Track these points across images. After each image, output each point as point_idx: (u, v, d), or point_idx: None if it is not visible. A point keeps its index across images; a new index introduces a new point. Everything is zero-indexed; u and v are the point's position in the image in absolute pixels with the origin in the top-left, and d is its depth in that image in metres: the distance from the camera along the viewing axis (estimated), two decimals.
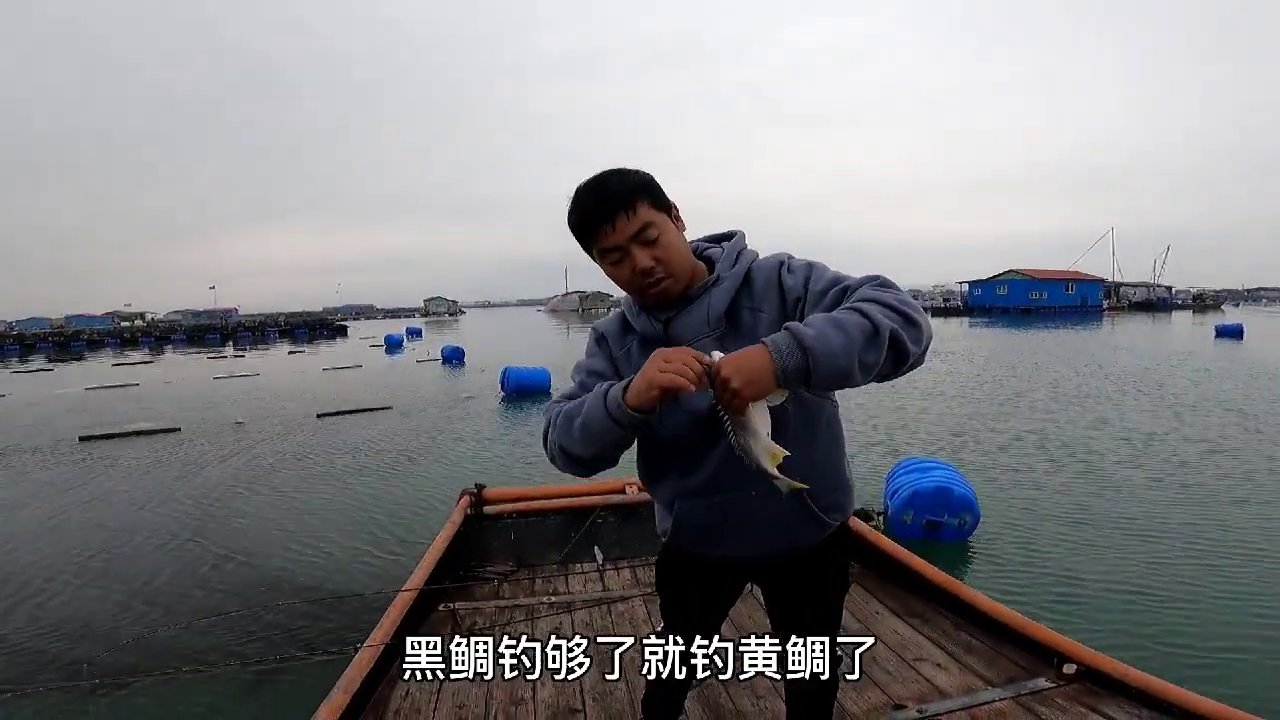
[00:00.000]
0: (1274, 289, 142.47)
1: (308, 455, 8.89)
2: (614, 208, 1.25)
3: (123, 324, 72.22)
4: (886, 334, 1.09)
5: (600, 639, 2.63)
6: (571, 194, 1.31)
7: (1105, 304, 62.49)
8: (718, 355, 1.14)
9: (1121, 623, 3.76)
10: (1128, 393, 12.14)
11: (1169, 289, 78.16)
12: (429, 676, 2.35)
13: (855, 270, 1.29)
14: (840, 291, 1.22)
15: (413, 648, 2.67)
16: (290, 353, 33.05)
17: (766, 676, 2.26)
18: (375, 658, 2.33)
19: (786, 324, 1.13)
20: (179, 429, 11.10)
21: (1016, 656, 2.37)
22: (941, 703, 2.12)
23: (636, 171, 1.31)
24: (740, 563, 1.50)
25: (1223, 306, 73.45)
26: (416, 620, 2.79)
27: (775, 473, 1.14)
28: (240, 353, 34.72)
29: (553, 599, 3.05)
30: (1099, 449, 7.85)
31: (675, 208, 1.35)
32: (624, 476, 4.05)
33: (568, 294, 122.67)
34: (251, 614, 4.02)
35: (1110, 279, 73.09)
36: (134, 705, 3.27)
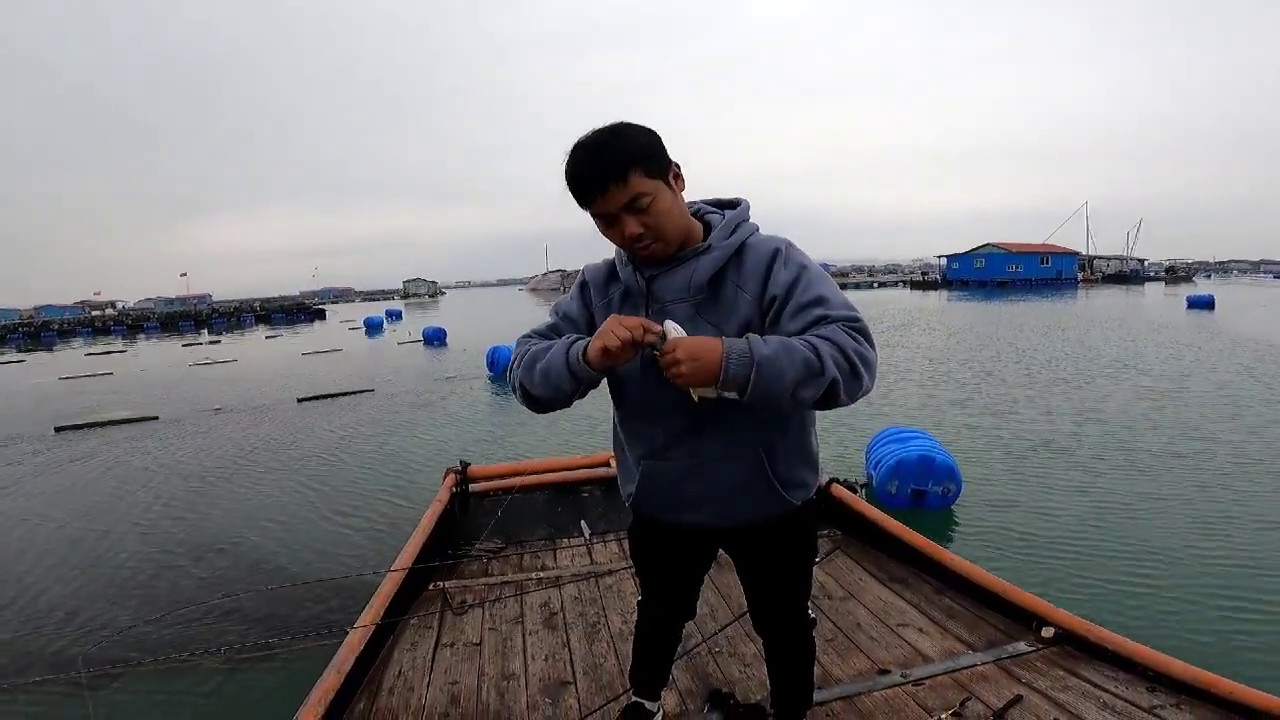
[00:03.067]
0: (1244, 261, 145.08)
1: (289, 440, 8.81)
2: (607, 178, 1.25)
3: (94, 313, 70.68)
4: (827, 381, 1.16)
5: (589, 613, 2.70)
6: (569, 149, 1.30)
7: (1080, 276, 63.30)
8: (676, 331, 1.21)
9: (1097, 586, 3.86)
10: (1102, 364, 12.34)
11: (1141, 261, 79.35)
12: (420, 654, 2.39)
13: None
14: (818, 318, 1.23)
15: (404, 627, 2.71)
16: (268, 337, 32.59)
17: (753, 643, 2.33)
18: (366, 638, 2.34)
19: (749, 334, 1.21)
20: (157, 417, 10.93)
21: (996, 621, 2.43)
22: (925, 667, 2.17)
23: (636, 134, 1.29)
24: (704, 529, 1.52)
25: (1194, 278, 74.68)
26: (407, 600, 2.80)
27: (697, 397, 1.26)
28: (216, 339, 34.17)
29: (541, 574, 3.08)
30: (1076, 420, 7.98)
31: (675, 167, 1.34)
32: (609, 451, 4.09)
33: (548, 273, 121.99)
34: (238, 601, 4.01)
35: (1085, 252, 74.02)
36: (124, 697, 3.25)
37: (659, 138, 1.31)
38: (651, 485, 1.48)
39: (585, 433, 7.93)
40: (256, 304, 69.45)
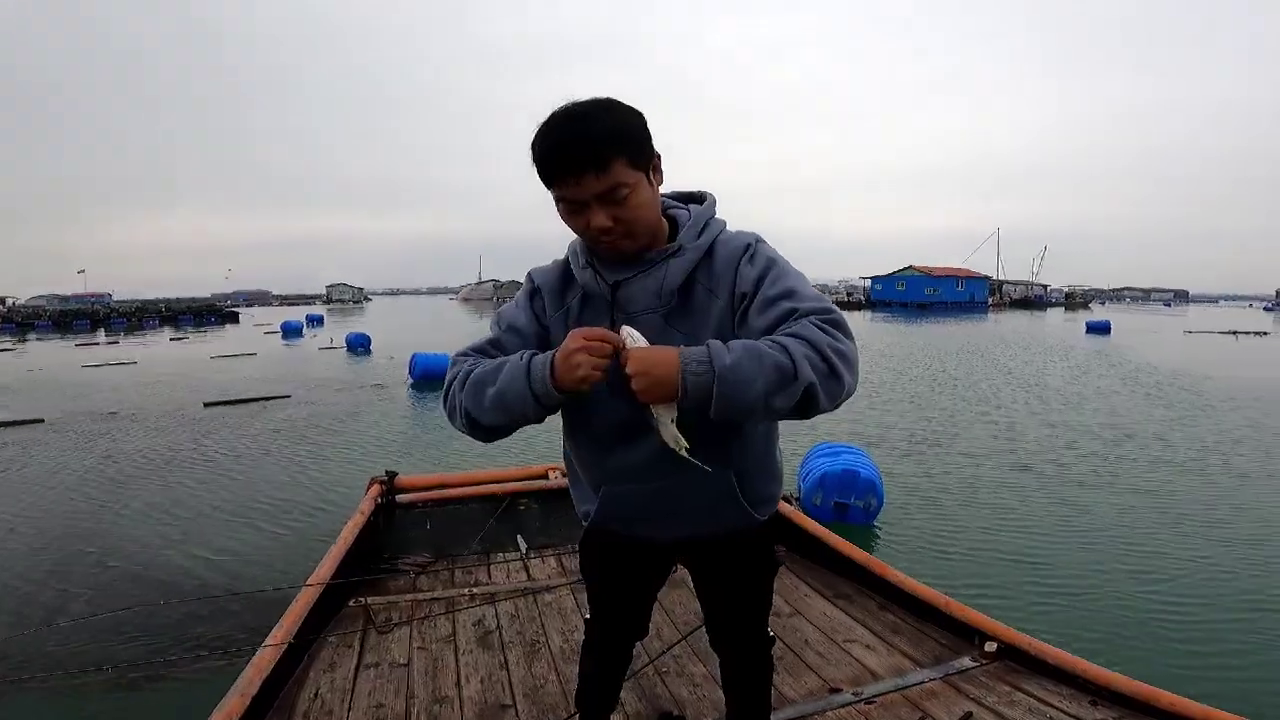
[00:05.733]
0: (1135, 289, 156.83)
1: (194, 447, 8.23)
2: (585, 162, 1.09)
3: None
4: (803, 386, 1.01)
5: (528, 631, 2.55)
6: (547, 117, 1.13)
7: (990, 300, 67.05)
8: (633, 340, 1.08)
9: (1032, 602, 3.96)
10: (1015, 384, 12.99)
11: (1045, 287, 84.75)
12: (340, 675, 2.20)
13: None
14: (787, 312, 1.11)
15: (321, 645, 2.50)
16: (173, 340, 30.65)
17: (702, 663, 2.25)
18: (277, 658, 2.13)
19: (709, 341, 1.06)
20: (42, 420, 10.05)
21: (940, 636, 2.43)
22: (875, 685, 2.14)
23: (626, 115, 1.15)
24: (666, 543, 1.42)
25: (1090, 305, 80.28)
26: (324, 617, 2.59)
27: (677, 449, 1.12)
28: (114, 340, 31.87)
29: (475, 590, 2.91)
30: (994, 436, 8.35)
31: (658, 158, 1.20)
32: (546, 462, 3.94)
33: (482, 282, 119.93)
34: (128, 615, 3.63)
35: (995, 277, 78.51)
36: (3, 716, 2.92)
37: (646, 122, 1.17)
38: (612, 507, 1.36)
39: (520, 443, 7.72)
40: (162, 305, 65.20)
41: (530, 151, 1.13)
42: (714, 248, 1.24)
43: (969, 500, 5.85)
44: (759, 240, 1.25)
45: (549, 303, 1.31)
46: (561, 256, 1.35)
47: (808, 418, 1.07)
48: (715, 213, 1.30)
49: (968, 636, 2.36)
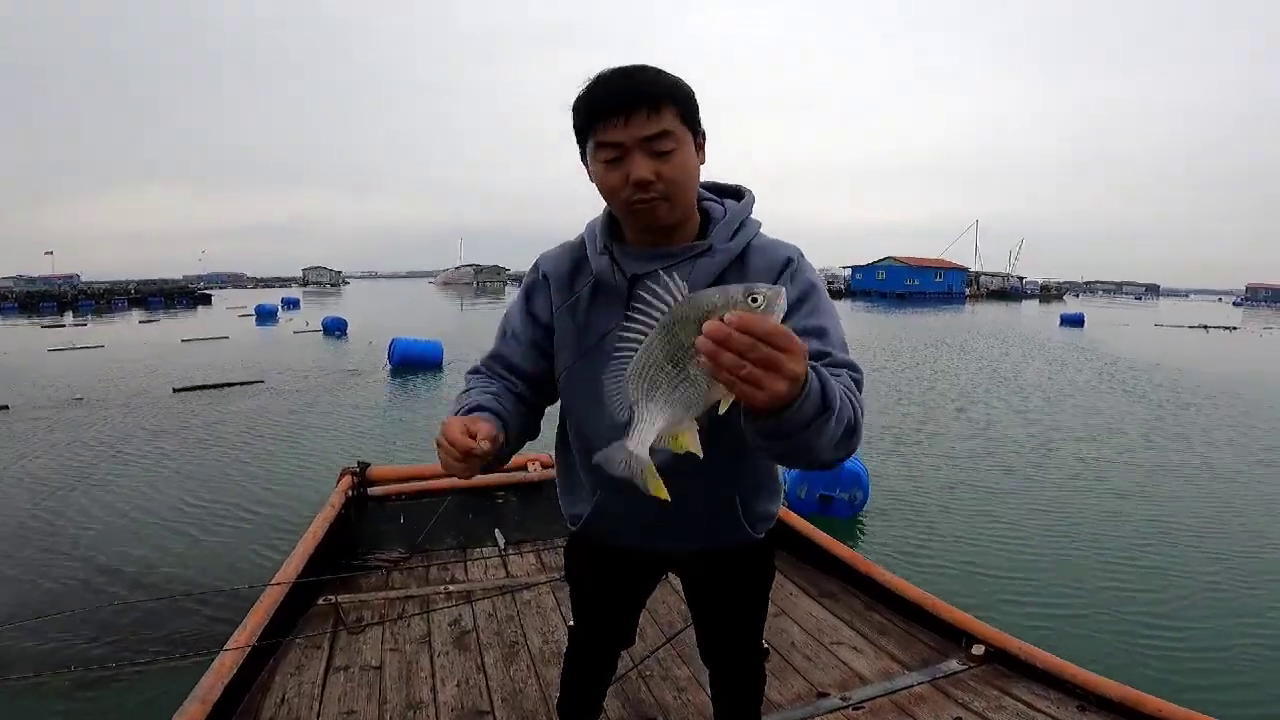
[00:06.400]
0: (1108, 282, 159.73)
1: (161, 435, 7.99)
2: (636, 100, 1.02)
3: None
4: (849, 448, 0.92)
5: (506, 631, 2.48)
6: (591, 74, 1.07)
7: (967, 291, 67.84)
8: (776, 300, 0.74)
9: (1018, 601, 3.94)
10: (994, 379, 13.10)
11: (1021, 279, 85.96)
12: (308, 679, 2.11)
13: None
14: (817, 354, 1.01)
15: (288, 648, 2.40)
16: (142, 322, 29.90)
17: (686, 665, 2.18)
18: (240, 661, 2.04)
19: (813, 364, 0.86)
20: (6, 406, 9.72)
21: (927, 638, 2.40)
22: (863, 689, 2.10)
23: (678, 77, 1.08)
24: (660, 554, 1.35)
25: (1064, 297, 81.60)
26: (291, 617, 2.49)
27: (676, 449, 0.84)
28: (81, 322, 31.07)
29: (451, 588, 2.82)
30: (973, 435, 8.30)
31: (704, 136, 1.12)
32: (526, 453, 3.84)
33: (461, 266, 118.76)
34: (85, 614, 3.49)
35: (973, 268, 79.41)
36: None
37: (695, 96, 1.10)
38: (607, 516, 1.28)
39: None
40: (131, 287, 63.62)
41: (574, 103, 1.08)
42: (747, 253, 1.14)
43: (952, 497, 5.84)
44: (801, 256, 1.15)
45: (555, 291, 1.20)
46: (573, 239, 1.24)
47: (784, 464, 1.01)
48: (752, 212, 1.19)
49: (955, 638, 2.33)
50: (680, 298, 0.76)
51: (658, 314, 0.77)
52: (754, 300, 0.72)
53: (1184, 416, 9.44)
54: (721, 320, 0.71)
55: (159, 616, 3.52)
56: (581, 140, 1.10)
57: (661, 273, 0.80)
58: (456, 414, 1.10)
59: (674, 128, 1.05)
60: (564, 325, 1.19)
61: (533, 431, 1.25)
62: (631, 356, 0.78)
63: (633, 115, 1.03)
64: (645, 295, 0.78)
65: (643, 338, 0.78)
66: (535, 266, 1.26)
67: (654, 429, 0.80)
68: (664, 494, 0.85)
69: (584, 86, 1.07)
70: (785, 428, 0.80)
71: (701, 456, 0.82)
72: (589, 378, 1.12)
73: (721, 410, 0.79)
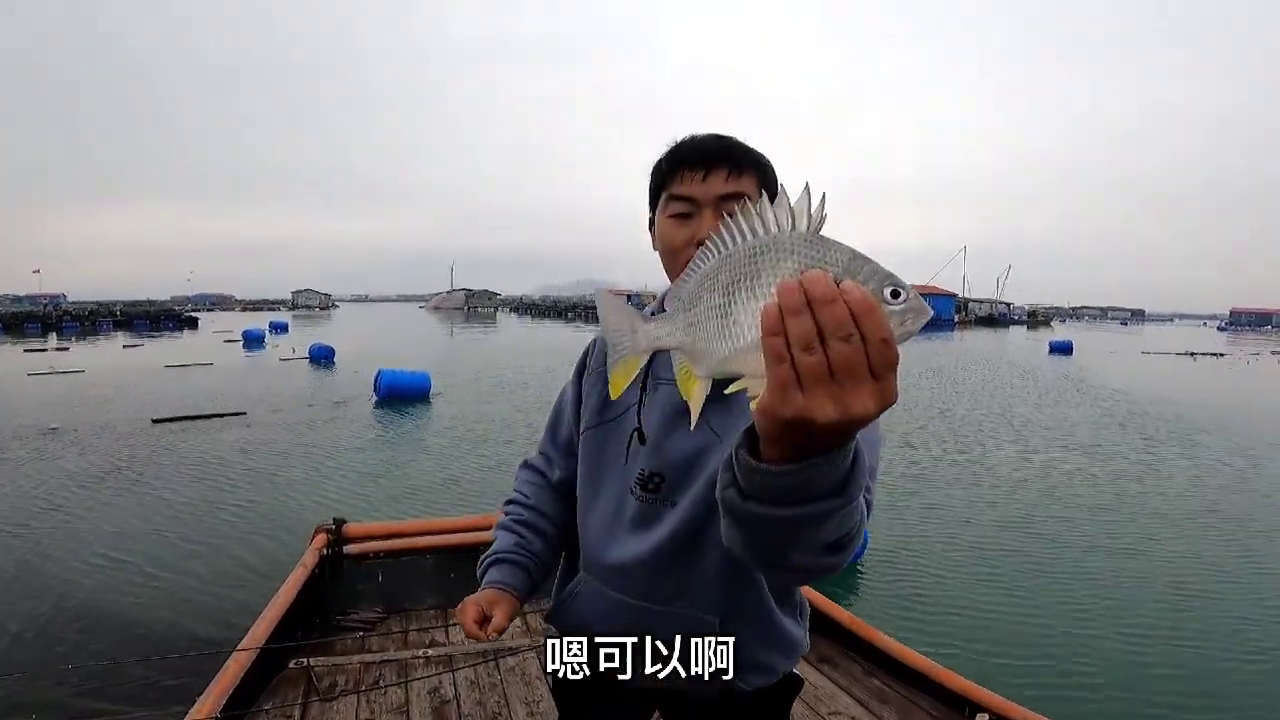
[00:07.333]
0: (1094, 307, 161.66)
1: (134, 472, 7.78)
2: (719, 158, 1.03)
3: None
4: (834, 540, 0.69)
5: (489, 701, 2.34)
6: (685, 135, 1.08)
7: (956, 318, 68.32)
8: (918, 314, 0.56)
9: (1021, 662, 3.83)
10: (989, 415, 13.07)
11: (1008, 305, 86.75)
12: None
13: None
14: None
15: (255, 717, 2.26)
16: (126, 346, 29.55)
17: None
18: None
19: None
20: None
21: (929, 706, 2.30)
22: None
23: (761, 151, 1.07)
24: (638, 691, 1.13)
25: (1051, 323, 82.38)
26: (260, 683, 2.35)
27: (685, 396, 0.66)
28: (64, 345, 30.67)
29: (430, 652, 2.68)
30: (975, 481, 8.05)
31: None
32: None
33: (453, 291, 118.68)
34: (38, 679, 3.30)
35: (961, 294, 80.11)
36: None
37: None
38: (581, 608, 1.13)
39: (481, 484, 7.40)
40: (117, 308, 63.04)
41: (663, 155, 1.08)
42: None
43: (951, 548, 5.69)
44: None
45: (595, 360, 1.18)
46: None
47: (752, 554, 0.74)
48: None
49: (958, 706, 2.24)
50: (804, 226, 0.56)
51: (754, 227, 0.58)
52: (894, 294, 0.53)
53: (1187, 458, 9.26)
54: (835, 283, 0.52)
55: (116, 680, 3.32)
56: (655, 197, 1.10)
57: (803, 187, 0.59)
58: (481, 567, 1.15)
59: (751, 194, 1.02)
60: (591, 389, 1.15)
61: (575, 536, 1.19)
62: (706, 257, 0.61)
63: (713, 171, 1.03)
64: (758, 207, 0.59)
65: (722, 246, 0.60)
66: (591, 344, 1.23)
67: (673, 338, 0.64)
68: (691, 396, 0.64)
69: (681, 138, 1.09)
70: (805, 482, 0.60)
71: (693, 428, 0.69)
72: (595, 451, 1.10)
73: (733, 389, 0.59)
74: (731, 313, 0.57)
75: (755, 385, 0.56)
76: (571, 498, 1.18)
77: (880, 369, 0.52)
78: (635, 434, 1.04)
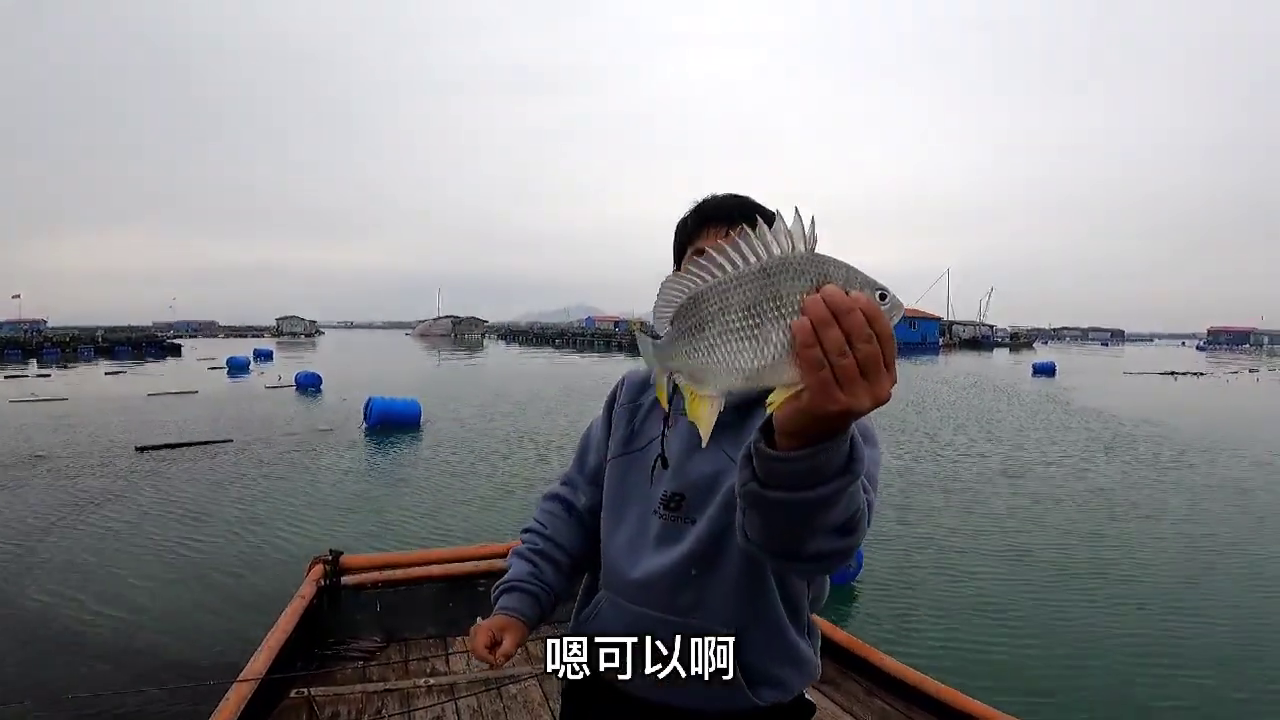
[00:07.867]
0: (1075, 328, 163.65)
1: (121, 501, 7.67)
2: (745, 214, 1.10)
3: None
4: (849, 548, 0.82)
5: None
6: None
7: (940, 341, 68.90)
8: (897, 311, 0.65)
9: (1026, 675, 3.85)
10: (980, 433, 13.19)
11: (992, 327, 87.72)
12: None
13: None
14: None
15: None
16: (108, 374, 29.18)
17: None
18: None
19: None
20: None
21: None
22: None
23: None
24: (654, 705, 1.14)
25: (1034, 345, 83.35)
26: (261, 712, 2.33)
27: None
28: (45, 372, 30.27)
29: (431, 681, 2.67)
30: (968, 510, 7.99)
31: None
32: (509, 538, 3.69)
33: (440, 317, 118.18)
34: (43, 706, 3.25)
35: (946, 317, 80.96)
36: None
37: None
38: (601, 626, 1.15)
39: (478, 514, 7.31)
40: (99, 334, 62.27)
41: (690, 211, 1.17)
42: None
43: (946, 567, 5.71)
44: None
45: (625, 394, 1.26)
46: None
47: (772, 540, 0.81)
48: None
49: None
50: (803, 248, 0.64)
51: (757, 251, 0.64)
52: (882, 297, 0.63)
53: (1177, 479, 9.32)
54: (848, 294, 0.61)
55: (117, 710, 3.28)
56: (680, 251, 1.18)
57: (793, 211, 0.66)
58: (494, 594, 1.20)
59: None
60: (619, 421, 1.22)
61: (592, 564, 1.24)
62: (701, 276, 0.65)
63: (736, 227, 1.06)
64: (755, 229, 0.66)
65: (722, 269, 0.65)
66: (620, 381, 1.31)
67: (681, 363, 0.68)
68: (701, 417, 0.69)
69: (706, 196, 1.17)
70: (817, 465, 0.69)
71: (704, 445, 0.75)
72: (620, 478, 1.17)
73: (769, 402, 0.64)
74: (761, 331, 0.63)
75: (780, 394, 0.64)
76: (595, 526, 1.23)
77: (890, 359, 0.63)
78: (659, 460, 1.11)
